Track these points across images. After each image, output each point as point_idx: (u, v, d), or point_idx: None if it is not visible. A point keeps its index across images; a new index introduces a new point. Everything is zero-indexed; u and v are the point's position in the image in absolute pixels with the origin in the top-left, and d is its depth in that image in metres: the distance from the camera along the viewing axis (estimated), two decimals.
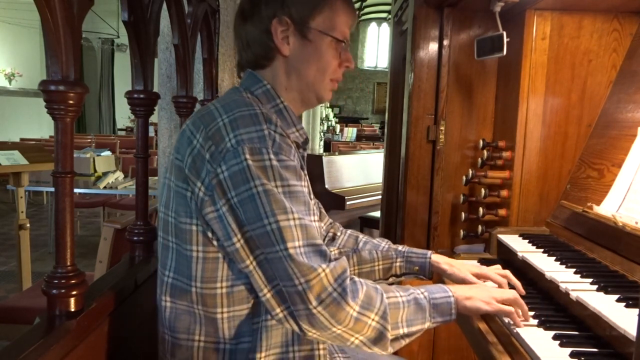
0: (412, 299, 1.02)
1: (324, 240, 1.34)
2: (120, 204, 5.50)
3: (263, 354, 1.02)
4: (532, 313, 1.14)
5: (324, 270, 0.92)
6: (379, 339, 0.97)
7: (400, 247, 1.39)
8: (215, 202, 0.95)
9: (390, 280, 1.37)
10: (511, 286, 1.24)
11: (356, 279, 0.99)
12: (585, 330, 1.06)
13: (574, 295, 1.11)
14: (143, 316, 1.33)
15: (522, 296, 1.23)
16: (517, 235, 1.61)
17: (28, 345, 0.88)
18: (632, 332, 0.90)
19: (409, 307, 1.01)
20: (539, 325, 1.09)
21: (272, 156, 0.94)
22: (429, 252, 1.36)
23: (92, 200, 5.60)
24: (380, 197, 3.04)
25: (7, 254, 5.07)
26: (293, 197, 0.95)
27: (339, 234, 1.43)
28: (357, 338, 0.97)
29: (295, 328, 0.96)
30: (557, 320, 1.11)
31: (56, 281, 0.99)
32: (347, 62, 1.15)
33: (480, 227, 1.86)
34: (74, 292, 1.00)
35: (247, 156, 0.93)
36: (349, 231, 1.44)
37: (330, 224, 1.43)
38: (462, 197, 1.93)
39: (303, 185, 0.99)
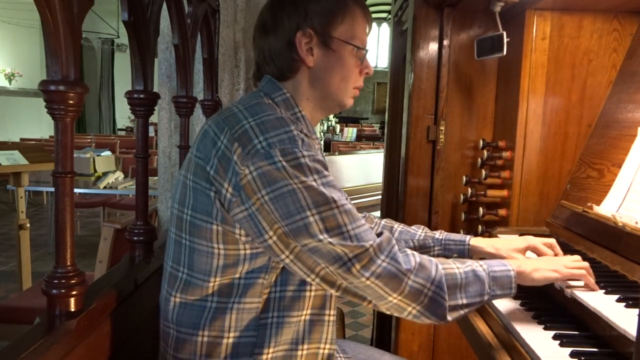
0: (470, 270, 1.02)
1: None
2: (120, 204, 5.50)
3: (271, 350, 1.04)
4: (531, 313, 1.14)
5: (371, 245, 0.95)
6: (436, 308, 0.97)
7: (437, 235, 1.39)
8: (244, 202, 0.96)
9: None
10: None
11: (409, 251, 1.00)
12: (585, 330, 1.06)
13: (572, 294, 1.11)
14: (143, 316, 1.33)
15: (520, 295, 1.24)
16: (517, 235, 1.61)
17: (28, 345, 0.88)
18: (632, 332, 0.90)
19: (466, 278, 1.00)
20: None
21: (304, 153, 0.96)
22: (467, 237, 1.36)
23: (92, 200, 5.60)
24: (380, 197, 3.03)
25: (7, 254, 5.07)
26: (331, 187, 0.98)
27: (372, 225, 1.44)
28: (414, 308, 0.97)
29: (357, 300, 1.00)
30: (557, 320, 1.11)
31: (56, 281, 0.99)
32: (366, 68, 1.16)
33: (480, 227, 1.86)
34: (74, 292, 1.00)
35: (281, 158, 0.94)
36: (383, 221, 1.45)
37: (364, 215, 1.43)
38: (462, 197, 1.93)
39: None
